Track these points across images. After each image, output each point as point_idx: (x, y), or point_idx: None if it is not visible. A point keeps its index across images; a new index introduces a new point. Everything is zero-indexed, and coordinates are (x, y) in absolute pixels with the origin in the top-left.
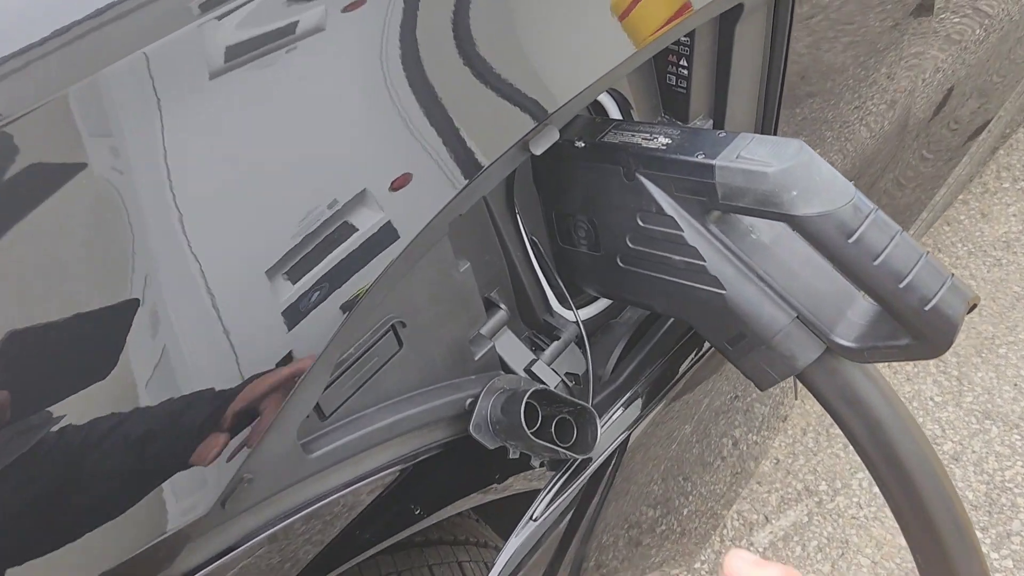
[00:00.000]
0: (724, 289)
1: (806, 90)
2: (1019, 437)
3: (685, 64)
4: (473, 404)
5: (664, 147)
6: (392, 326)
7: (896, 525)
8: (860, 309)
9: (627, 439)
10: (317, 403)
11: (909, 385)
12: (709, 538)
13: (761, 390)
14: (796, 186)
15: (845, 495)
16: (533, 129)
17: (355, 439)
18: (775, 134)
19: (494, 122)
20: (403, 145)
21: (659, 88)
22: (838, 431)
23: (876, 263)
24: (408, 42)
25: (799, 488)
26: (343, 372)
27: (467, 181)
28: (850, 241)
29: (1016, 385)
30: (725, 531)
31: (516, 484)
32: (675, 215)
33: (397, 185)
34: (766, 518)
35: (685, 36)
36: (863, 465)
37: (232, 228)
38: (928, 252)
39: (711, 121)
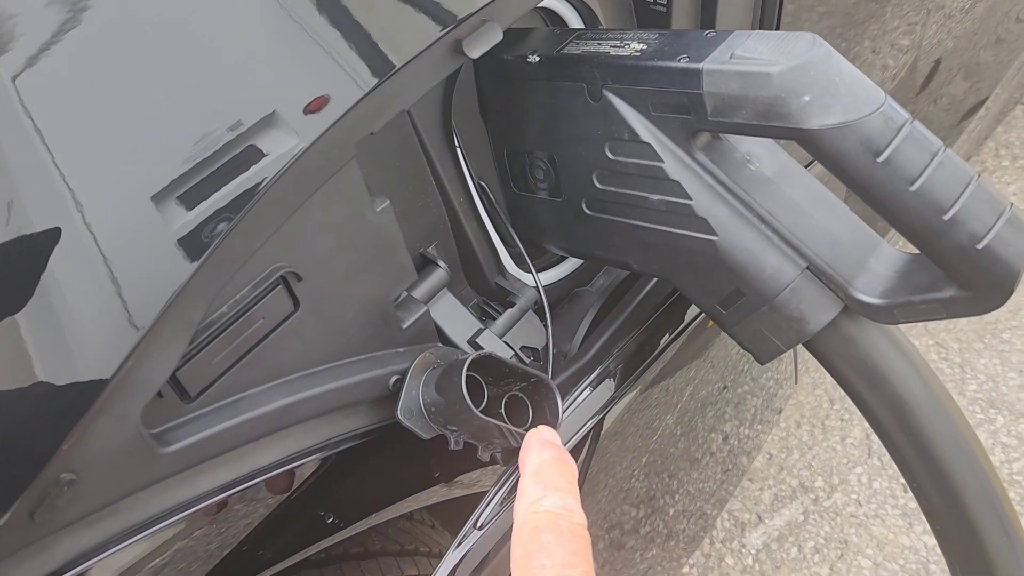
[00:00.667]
0: (715, 234)
1: None
2: None
3: None
4: (401, 382)
5: (638, 54)
6: (282, 277)
7: (899, 524)
8: (887, 256)
9: (600, 424)
10: (178, 380)
11: None
12: (699, 541)
13: (761, 363)
14: (809, 89)
15: (843, 491)
16: (462, 20)
17: (234, 427)
18: None
19: (411, 13)
20: (295, 40)
21: (633, 5)
22: (834, 423)
23: (913, 189)
24: None
25: (794, 485)
26: (213, 338)
27: (375, 81)
28: (879, 160)
29: (1022, 372)
30: (715, 532)
31: (466, 484)
32: (652, 141)
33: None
34: (759, 517)
35: None
36: (867, 457)
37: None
38: (979, 174)
39: None
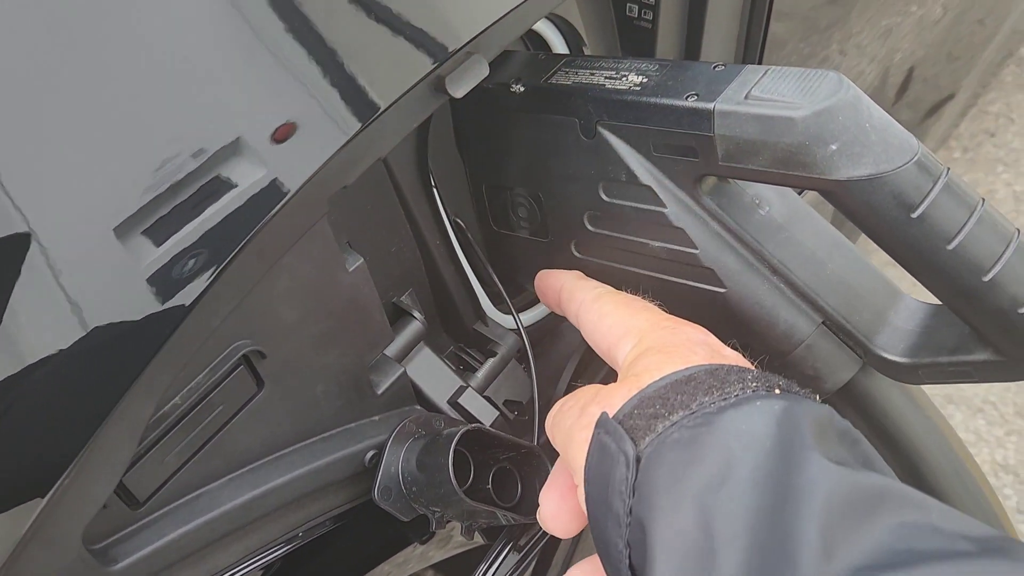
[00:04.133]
0: (724, 286)
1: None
2: (984, 422)
3: None
4: (378, 458)
5: (638, 87)
6: (244, 357)
7: None
8: (910, 309)
9: None
10: (124, 485)
11: None
12: None
13: None
14: (837, 137)
15: None
16: (446, 59)
17: (191, 531)
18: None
19: (391, 52)
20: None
21: (616, 22)
22: None
23: (951, 247)
24: None
25: None
26: (165, 434)
27: (350, 132)
28: (913, 216)
29: None
30: None
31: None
32: (654, 184)
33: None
34: None
35: None
36: None
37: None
38: (1020, 231)
39: None
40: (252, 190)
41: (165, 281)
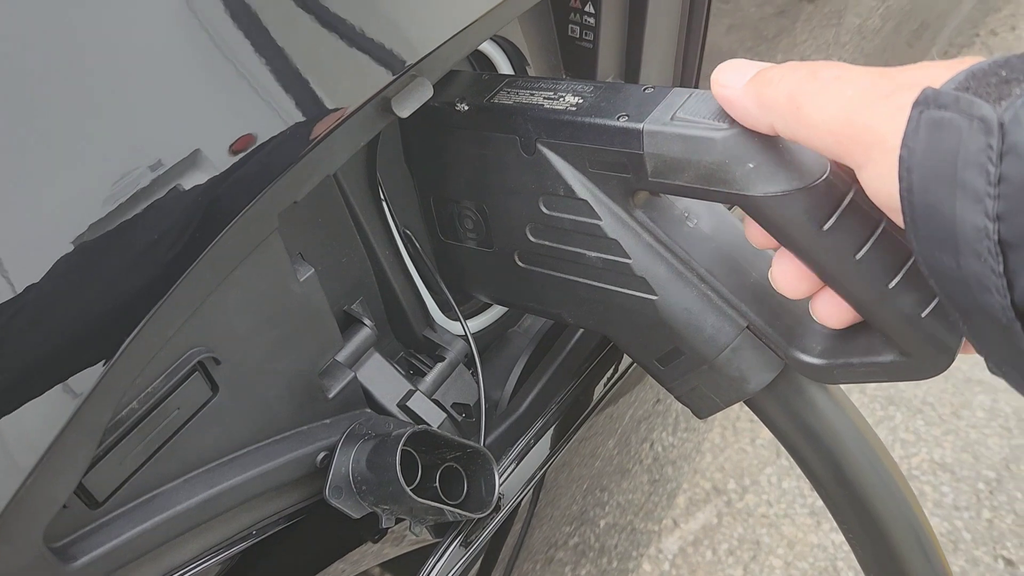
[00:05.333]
0: (655, 294)
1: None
2: (923, 422)
3: (592, 10)
4: (329, 459)
5: (574, 108)
6: (199, 363)
7: (807, 522)
8: None
9: (542, 477)
10: (83, 486)
11: None
12: (630, 558)
13: (700, 418)
14: (754, 156)
15: (754, 492)
16: (392, 81)
17: (148, 530)
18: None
19: (339, 74)
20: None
21: (559, 42)
22: (744, 425)
23: (858, 257)
24: None
25: (707, 487)
26: (123, 436)
27: (301, 152)
28: (824, 229)
29: None
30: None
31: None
32: (589, 198)
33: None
34: (674, 522)
35: None
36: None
37: None
38: None
39: (623, 83)
40: (205, 205)
41: (121, 292)
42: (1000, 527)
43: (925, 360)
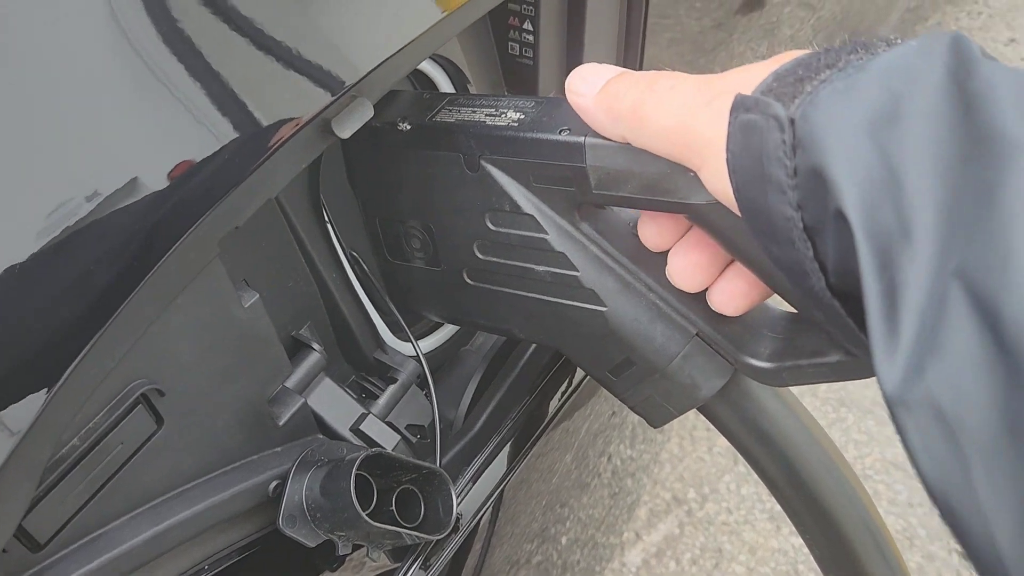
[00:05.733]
0: (604, 305)
1: None
2: (874, 422)
3: (530, 28)
4: (281, 488)
5: (516, 124)
6: (142, 395)
7: (767, 527)
8: (773, 318)
9: (501, 495)
10: (24, 528)
11: None
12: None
13: (654, 427)
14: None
15: (714, 500)
16: (332, 102)
17: (92, 573)
18: None
19: (278, 95)
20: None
21: (500, 59)
22: (701, 433)
23: None
24: None
25: (668, 498)
26: (64, 475)
27: (240, 178)
28: None
29: None
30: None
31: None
32: (535, 212)
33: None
34: (636, 535)
35: None
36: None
37: None
38: None
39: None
40: (141, 234)
41: (58, 324)
42: None
43: (869, 358)
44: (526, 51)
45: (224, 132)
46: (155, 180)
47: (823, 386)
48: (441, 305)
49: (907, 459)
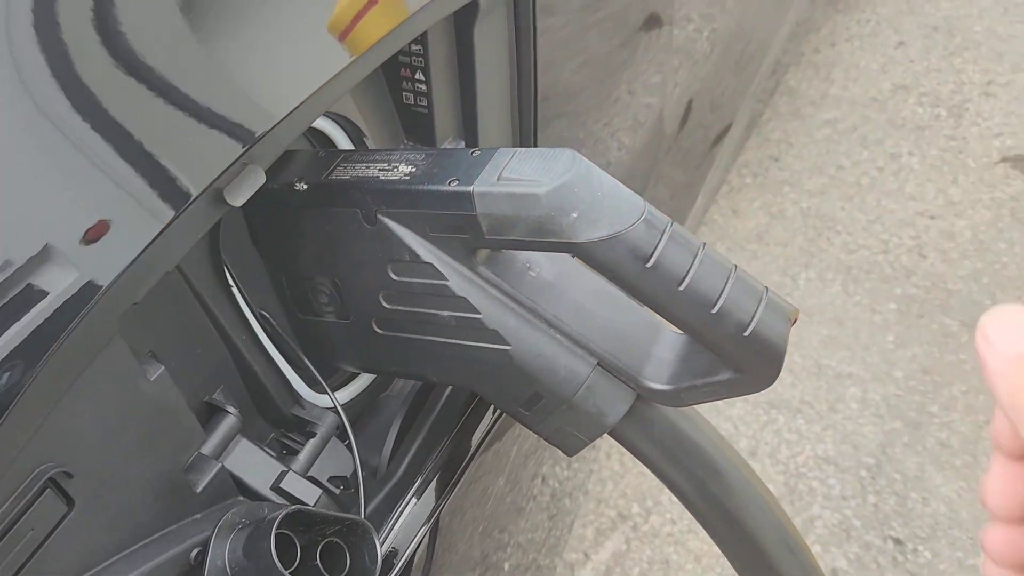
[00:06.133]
0: (508, 344)
1: (554, 111)
2: (803, 421)
3: (422, 78)
4: (203, 555)
5: (408, 177)
6: (50, 479)
7: None
8: (669, 343)
9: (436, 524)
10: None
11: None
12: None
13: (569, 455)
14: (575, 207)
15: (658, 513)
16: (222, 172)
17: None
18: (536, 145)
19: (166, 170)
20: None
21: (396, 109)
22: None
23: (681, 288)
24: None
25: (612, 515)
26: None
27: (132, 256)
28: (648, 266)
29: (791, 371)
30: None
31: None
32: (434, 260)
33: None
34: (585, 555)
35: (416, 44)
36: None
37: None
38: (737, 266)
39: (462, 142)
40: (34, 318)
41: None
42: (885, 509)
43: (756, 374)
44: (420, 100)
45: (115, 211)
46: (54, 251)
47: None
48: (354, 356)
49: (837, 453)
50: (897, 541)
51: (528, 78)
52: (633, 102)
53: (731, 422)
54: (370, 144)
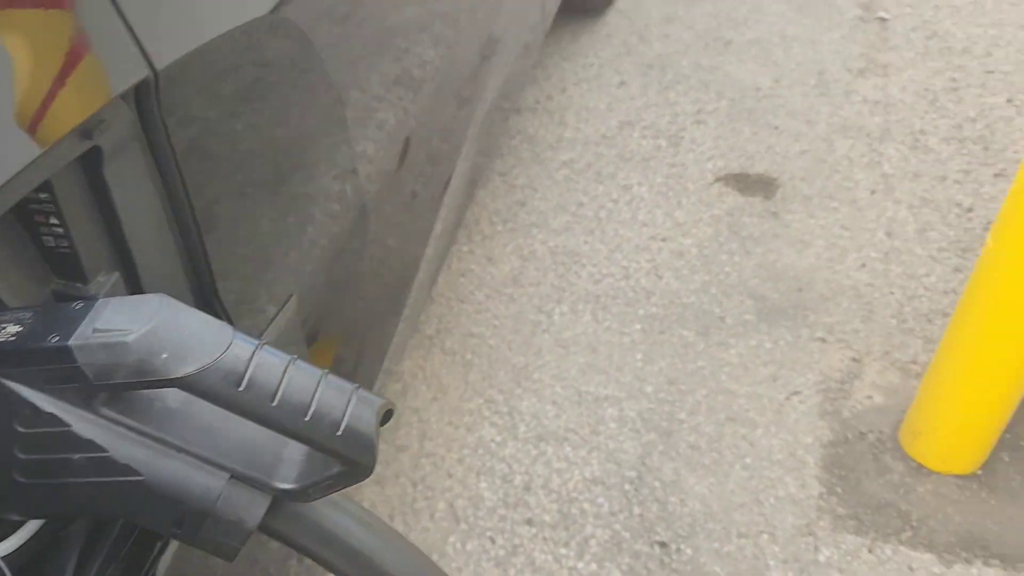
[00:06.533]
0: (140, 474)
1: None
2: (570, 448)
3: (56, 222)
4: None
5: (14, 337)
6: None
7: (495, 572)
8: (296, 446)
9: None
10: None
11: (470, 435)
12: None
13: (229, 561)
14: (164, 348)
15: (444, 563)
16: None
17: None
18: (210, 263)
19: None
20: None
21: (41, 252)
22: (421, 504)
23: (275, 404)
24: None
25: None
26: None
27: None
28: (241, 389)
29: (555, 403)
30: None
31: None
32: (55, 410)
33: None
34: None
35: (43, 192)
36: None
37: None
38: (327, 372)
39: (117, 274)
40: None
41: None
42: (649, 517)
43: (359, 464)
44: (61, 242)
45: None
46: None
47: (521, 428)
48: (8, 506)
49: (603, 472)
50: (662, 544)
51: (180, 200)
52: (362, 134)
53: (506, 463)
54: (3, 294)
